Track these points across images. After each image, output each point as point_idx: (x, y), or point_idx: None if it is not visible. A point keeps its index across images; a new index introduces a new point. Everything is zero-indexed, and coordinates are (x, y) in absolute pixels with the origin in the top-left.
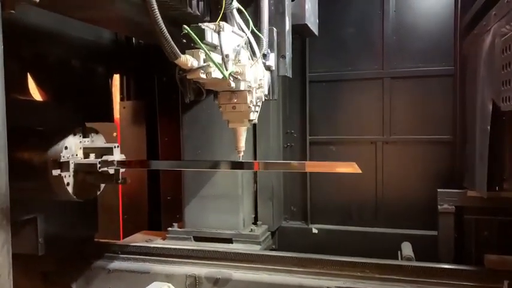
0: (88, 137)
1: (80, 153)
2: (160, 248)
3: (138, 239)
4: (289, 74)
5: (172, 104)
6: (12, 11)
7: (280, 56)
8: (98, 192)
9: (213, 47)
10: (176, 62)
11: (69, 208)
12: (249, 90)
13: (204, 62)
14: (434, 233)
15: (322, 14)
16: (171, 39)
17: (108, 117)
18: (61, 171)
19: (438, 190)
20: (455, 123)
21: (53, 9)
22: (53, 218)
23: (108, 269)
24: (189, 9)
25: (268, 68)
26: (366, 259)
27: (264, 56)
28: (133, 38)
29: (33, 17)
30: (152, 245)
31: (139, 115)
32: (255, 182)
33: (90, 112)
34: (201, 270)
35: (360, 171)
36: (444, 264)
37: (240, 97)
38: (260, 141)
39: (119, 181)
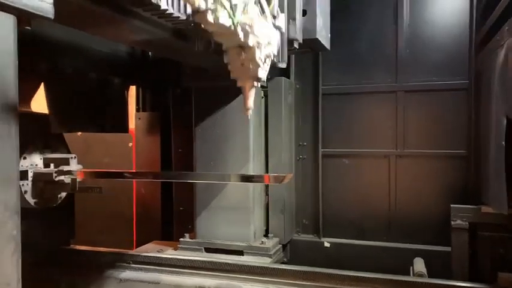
0: (50, 147)
1: (40, 163)
2: (171, 258)
3: (150, 249)
4: (300, 38)
5: (186, 115)
6: (28, 27)
7: (291, 18)
8: (59, 201)
9: None
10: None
11: (43, 215)
12: (257, 46)
13: (212, 5)
14: (448, 249)
15: (336, 27)
16: None
17: (123, 128)
18: (20, 180)
19: (451, 206)
20: (469, 137)
21: (68, 24)
22: (27, 224)
23: (120, 279)
24: None
25: (278, 28)
26: (377, 274)
27: (274, 16)
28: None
29: (51, 30)
30: (163, 256)
31: (154, 126)
32: (267, 194)
33: (105, 123)
34: (211, 281)
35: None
36: (457, 282)
37: (248, 52)
38: (272, 153)
39: (76, 190)
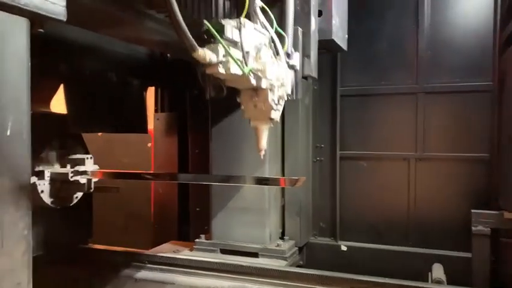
0: (67, 147)
1: (57, 163)
2: (186, 259)
3: (166, 249)
4: (315, 74)
5: (202, 116)
6: (41, 30)
7: (305, 55)
8: (74, 201)
9: (234, 43)
10: (194, 55)
11: (61, 214)
12: (270, 89)
13: (223, 57)
14: (469, 255)
15: (354, 28)
16: (188, 32)
17: (142, 128)
18: (37, 179)
19: (472, 211)
20: (492, 140)
21: (82, 26)
22: (45, 223)
23: (135, 278)
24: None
25: (292, 67)
26: (394, 280)
27: (288, 55)
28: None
29: (71, 32)
30: (178, 256)
31: (172, 127)
32: (283, 196)
33: (125, 123)
34: (225, 283)
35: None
36: None
37: (261, 95)
38: (288, 155)
39: (91, 190)
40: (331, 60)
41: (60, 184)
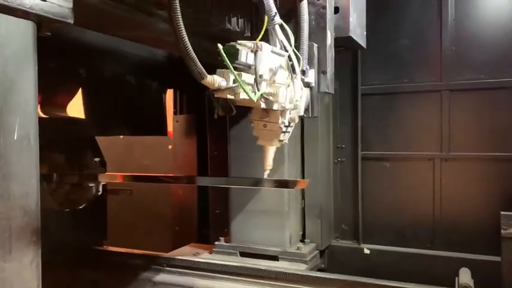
0: (78, 151)
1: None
2: (205, 262)
3: (185, 252)
4: (331, 90)
5: (220, 118)
6: (48, 33)
7: (321, 71)
8: (84, 204)
9: (247, 67)
10: (203, 82)
11: (76, 216)
12: (282, 111)
13: (234, 83)
14: (497, 258)
15: (375, 25)
16: (197, 59)
17: (162, 130)
18: (46, 183)
19: (501, 213)
20: None
21: (91, 27)
22: (57, 226)
23: (154, 282)
24: (228, 26)
25: (307, 84)
26: (419, 285)
27: (303, 72)
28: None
29: (89, 35)
30: (196, 259)
31: (191, 129)
32: (303, 198)
33: (144, 126)
34: (244, 287)
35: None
36: None
37: (272, 116)
38: (308, 156)
39: (99, 193)
40: (352, 58)
41: (68, 187)
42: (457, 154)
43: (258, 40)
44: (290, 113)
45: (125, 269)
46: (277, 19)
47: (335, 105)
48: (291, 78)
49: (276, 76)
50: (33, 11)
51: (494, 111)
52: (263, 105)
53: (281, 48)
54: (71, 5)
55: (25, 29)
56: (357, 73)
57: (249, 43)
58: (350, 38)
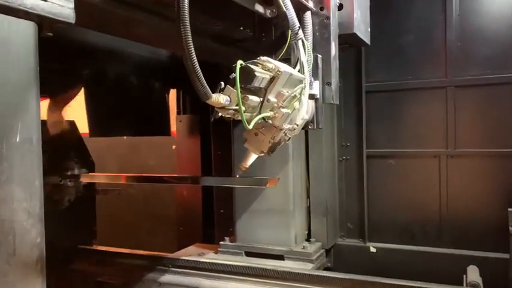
0: (62, 153)
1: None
2: (210, 263)
3: (190, 252)
4: (336, 101)
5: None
6: (50, 34)
7: (326, 83)
8: (66, 204)
9: (258, 89)
10: (208, 102)
11: (63, 217)
12: (279, 129)
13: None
14: (506, 255)
15: (378, 21)
16: (203, 80)
17: (165, 130)
18: None
19: (509, 210)
20: None
21: (93, 28)
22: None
23: (159, 282)
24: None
25: (312, 96)
26: (426, 284)
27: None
28: None
29: (92, 35)
30: (202, 260)
31: (195, 129)
32: (308, 197)
33: (147, 126)
34: (250, 287)
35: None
36: None
37: (267, 129)
38: (312, 154)
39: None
40: (355, 55)
41: (50, 188)
42: (463, 151)
43: (279, 57)
44: (286, 134)
45: (130, 269)
46: (301, 33)
47: (339, 103)
48: (299, 104)
49: (284, 103)
50: (34, 11)
51: (500, 107)
52: (259, 124)
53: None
54: (72, 4)
55: (26, 30)
56: (361, 70)
57: (271, 64)
58: (354, 35)
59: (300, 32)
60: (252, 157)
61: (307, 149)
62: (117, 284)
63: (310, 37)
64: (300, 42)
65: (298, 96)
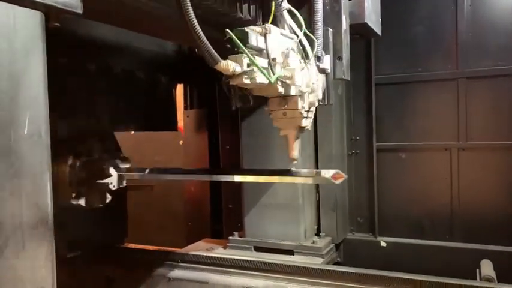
0: (100, 147)
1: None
2: (219, 258)
3: (199, 247)
4: (347, 76)
5: (232, 112)
6: (57, 24)
7: (337, 57)
8: (107, 200)
9: (259, 51)
10: (216, 67)
11: (96, 214)
12: (300, 95)
13: (248, 67)
14: None
15: (388, 12)
16: (208, 44)
17: (172, 126)
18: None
19: None
20: None
21: (99, 19)
22: (81, 223)
23: (169, 277)
24: (240, 14)
25: (322, 71)
26: (439, 278)
27: (318, 58)
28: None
29: (99, 30)
30: (211, 255)
31: (202, 124)
32: (317, 191)
33: (154, 121)
34: (259, 282)
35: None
36: None
37: (290, 103)
38: (322, 148)
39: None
40: (365, 46)
41: (91, 184)
42: (474, 143)
43: (265, 24)
44: (309, 97)
45: (140, 265)
46: (285, 4)
47: (348, 96)
48: (305, 62)
49: (288, 59)
50: (41, 1)
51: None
52: (281, 90)
53: (291, 33)
54: None
55: (33, 20)
56: (371, 62)
57: (258, 27)
58: (365, 24)
59: (285, 3)
60: (296, 144)
61: (316, 143)
62: (127, 280)
63: (320, 10)
64: (285, 12)
65: (299, 54)
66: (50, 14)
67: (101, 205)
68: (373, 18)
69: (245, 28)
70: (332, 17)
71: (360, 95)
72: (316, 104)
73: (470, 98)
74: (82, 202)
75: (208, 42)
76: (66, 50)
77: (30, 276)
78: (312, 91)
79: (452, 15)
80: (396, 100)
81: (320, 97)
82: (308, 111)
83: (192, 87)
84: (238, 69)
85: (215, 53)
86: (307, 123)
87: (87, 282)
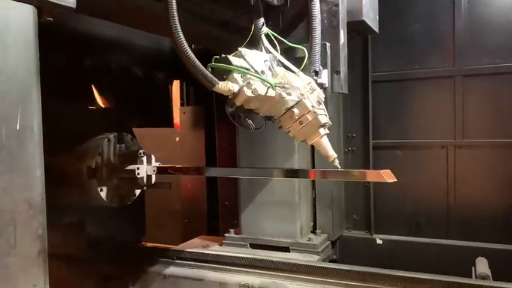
0: (123, 142)
1: (115, 160)
2: (215, 255)
3: (195, 244)
4: (345, 90)
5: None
6: (50, 19)
7: (334, 72)
8: (133, 198)
9: (245, 69)
10: (215, 89)
11: (116, 212)
12: (304, 97)
13: (244, 82)
14: None
15: (385, 9)
16: (204, 69)
17: (168, 122)
18: (95, 177)
19: None
20: None
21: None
22: (100, 222)
23: (164, 275)
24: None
25: (321, 85)
26: (434, 275)
27: (316, 73)
28: (192, 44)
29: (95, 26)
30: (206, 252)
31: (199, 120)
32: (313, 188)
33: (150, 118)
34: (255, 279)
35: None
36: None
37: (300, 109)
38: None
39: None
40: (362, 44)
41: (118, 181)
42: (471, 141)
43: (242, 46)
44: (312, 95)
45: (135, 262)
46: (264, 28)
47: (345, 93)
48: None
49: (274, 69)
50: None
51: (509, 96)
52: (284, 95)
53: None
54: None
55: (25, 14)
56: (367, 59)
57: (230, 56)
58: (363, 22)
59: (264, 28)
60: (326, 142)
61: None
62: (122, 277)
63: (318, 25)
64: (263, 36)
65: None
66: (43, 9)
67: (129, 202)
68: (370, 16)
69: (223, 55)
70: (330, 31)
71: (357, 92)
72: (323, 97)
73: (467, 95)
74: (111, 200)
75: (203, 67)
76: (61, 44)
77: (22, 273)
78: (312, 89)
79: (450, 13)
80: (393, 97)
81: (322, 95)
82: (319, 107)
83: (188, 84)
84: (236, 87)
85: (212, 76)
86: (325, 119)
87: (80, 280)
